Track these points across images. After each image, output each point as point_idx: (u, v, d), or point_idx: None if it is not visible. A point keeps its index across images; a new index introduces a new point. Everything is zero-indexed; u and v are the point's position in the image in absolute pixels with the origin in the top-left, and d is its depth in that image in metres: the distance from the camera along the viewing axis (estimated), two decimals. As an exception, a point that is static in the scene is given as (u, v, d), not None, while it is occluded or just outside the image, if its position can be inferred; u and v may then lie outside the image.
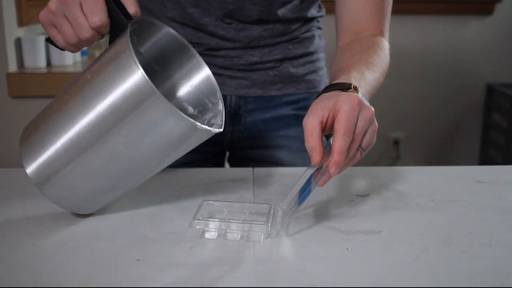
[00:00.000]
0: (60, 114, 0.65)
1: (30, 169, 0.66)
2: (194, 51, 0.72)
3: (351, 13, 0.87)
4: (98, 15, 0.63)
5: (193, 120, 0.60)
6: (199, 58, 0.73)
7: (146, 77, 0.58)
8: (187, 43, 0.72)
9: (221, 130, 0.66)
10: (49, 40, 0.69)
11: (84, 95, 0.63)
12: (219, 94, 0.72)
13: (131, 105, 0.60)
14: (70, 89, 0.66)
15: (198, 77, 0.73)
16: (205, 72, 0.73)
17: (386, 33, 0.88)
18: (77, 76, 0.67)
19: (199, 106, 0.73)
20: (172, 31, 0.70)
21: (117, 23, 0.64)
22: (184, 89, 0.74)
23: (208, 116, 0.72)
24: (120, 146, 0.62)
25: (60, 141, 0.64)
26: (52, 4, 0.64)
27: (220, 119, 0.70)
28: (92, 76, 0.63)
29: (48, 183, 0.66)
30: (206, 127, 0.62)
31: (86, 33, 0.64)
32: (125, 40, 0.60)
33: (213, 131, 0.64)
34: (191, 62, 0.73)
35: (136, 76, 0.59)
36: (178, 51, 0.72)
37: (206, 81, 0.73)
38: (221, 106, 0.72)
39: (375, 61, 0.79)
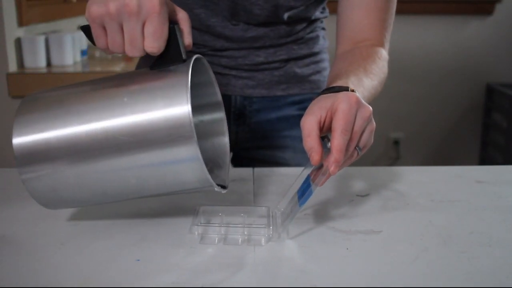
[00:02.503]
0: (78, 111, 0.60)
1: (20, 149, 0.62)
2: (224, 112, 0.73)
3: (353, 22, 0.87)
4: (158, 42, 0.58)
5: (213, 182, 0.60)
6: (223, 115, 0.73)
7: (193, 127, 0.57)
8: (222, 102, 0.73)
9: (227, 190, 0.66)
10: (85, 31, 0.61)
11: (113, 106, 0.59)
12: (227, 149, 0.73)
13: (163, 139, 0.58)
14: (95, 92, 0.62)
15: (215, 131, 0.74)
16: (224, 138, 0.74)
17: (387, 45, 0.87)
18: (104, 79, 0.63)
19: (207, 155, 0.72)
20: (216, 86, 0.71)
21: (169, 51, 0.60)
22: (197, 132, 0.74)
23: (212, 164, 0.72)
24: (128, 168, 0.60)
25: (66, 140, 0.60)
26: (112, 6, 0.56)
27: (226, 174, 0.70)
28: (131, 96, 0.59)
29: (37, 178, 0.62)
30: (220, 189, 0.63)
31: (137, 52, 0.59)
32: (184, 78, 0.58)
33: (223, 192, 0.65)
34: (215, 114, 0.74)
35: (184, 117, 0.57)
36: (211, 101, 0.73)
37: (219, 140, 0.74)
38: (227, 159, 0.72)
39: (374, 69, 0.78)
